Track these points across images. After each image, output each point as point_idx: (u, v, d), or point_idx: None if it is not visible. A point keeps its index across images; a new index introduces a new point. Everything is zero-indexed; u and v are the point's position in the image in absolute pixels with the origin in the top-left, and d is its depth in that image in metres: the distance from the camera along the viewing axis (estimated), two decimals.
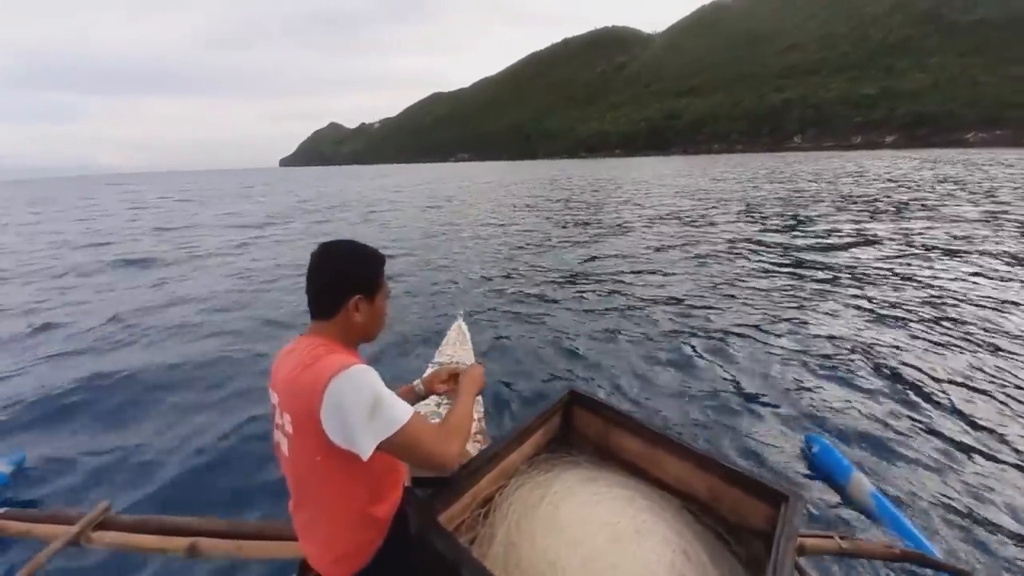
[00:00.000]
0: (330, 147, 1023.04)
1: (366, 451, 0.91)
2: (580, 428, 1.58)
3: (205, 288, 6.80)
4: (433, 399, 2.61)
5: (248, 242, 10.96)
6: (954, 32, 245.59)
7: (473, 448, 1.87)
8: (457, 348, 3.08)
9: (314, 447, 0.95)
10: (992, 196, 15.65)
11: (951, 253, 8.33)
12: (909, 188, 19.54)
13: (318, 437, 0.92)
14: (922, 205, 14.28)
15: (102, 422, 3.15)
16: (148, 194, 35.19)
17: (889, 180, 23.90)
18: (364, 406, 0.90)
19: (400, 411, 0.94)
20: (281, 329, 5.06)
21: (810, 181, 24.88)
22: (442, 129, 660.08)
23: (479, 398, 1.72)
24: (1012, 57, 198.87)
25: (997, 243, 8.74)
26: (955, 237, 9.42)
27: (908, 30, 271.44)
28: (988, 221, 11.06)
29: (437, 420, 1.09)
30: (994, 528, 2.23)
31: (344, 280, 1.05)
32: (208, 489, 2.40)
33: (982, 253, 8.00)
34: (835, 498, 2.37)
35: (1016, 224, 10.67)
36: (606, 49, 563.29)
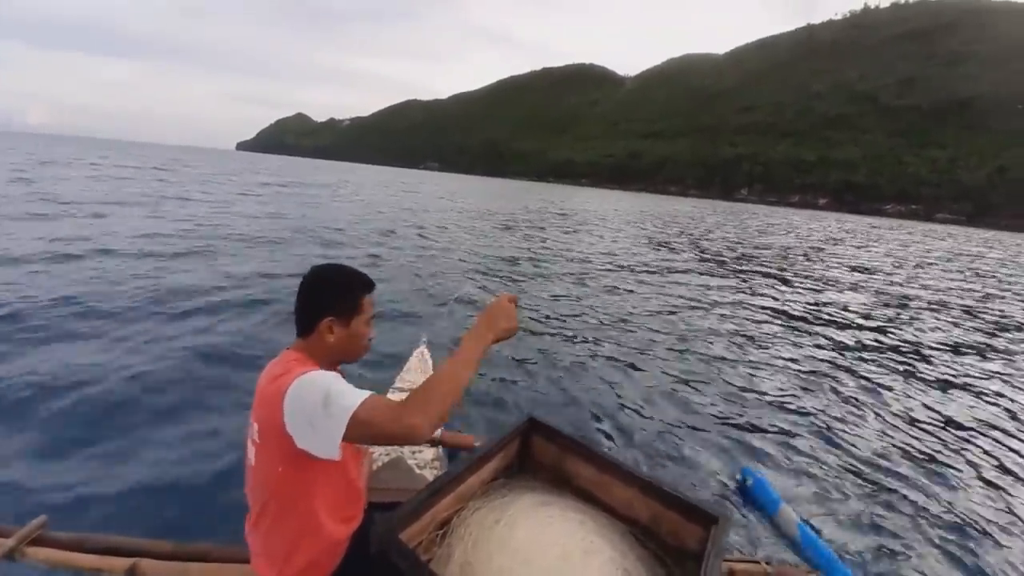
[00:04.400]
0: (294, 137, 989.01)
1: (333, 447, 0.92)
2: (537, 455, 1.63)
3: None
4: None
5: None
6: (886, 114, 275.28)
7: (431, 474, 1.96)
8: (418, 375, 3.01)
9: (277, 456, 0.98)
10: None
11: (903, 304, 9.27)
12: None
13: (281, 446, 0.96)
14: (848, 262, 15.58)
15: (41, 430, 2.84)
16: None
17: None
18: (318, 399, 0.93)
19: (353, 394, 0.94)
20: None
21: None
22: (414, 136, 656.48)
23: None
24: (934, 141, 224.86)
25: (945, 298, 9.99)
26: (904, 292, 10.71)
27: (846, 107, 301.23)
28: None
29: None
30: (915, 558, 2.45)
31: (317, 302, 1.11)
32: (155, 508, 2.28)
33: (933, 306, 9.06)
34: (765, 527, 2.54)
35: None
36: (581, 84, 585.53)
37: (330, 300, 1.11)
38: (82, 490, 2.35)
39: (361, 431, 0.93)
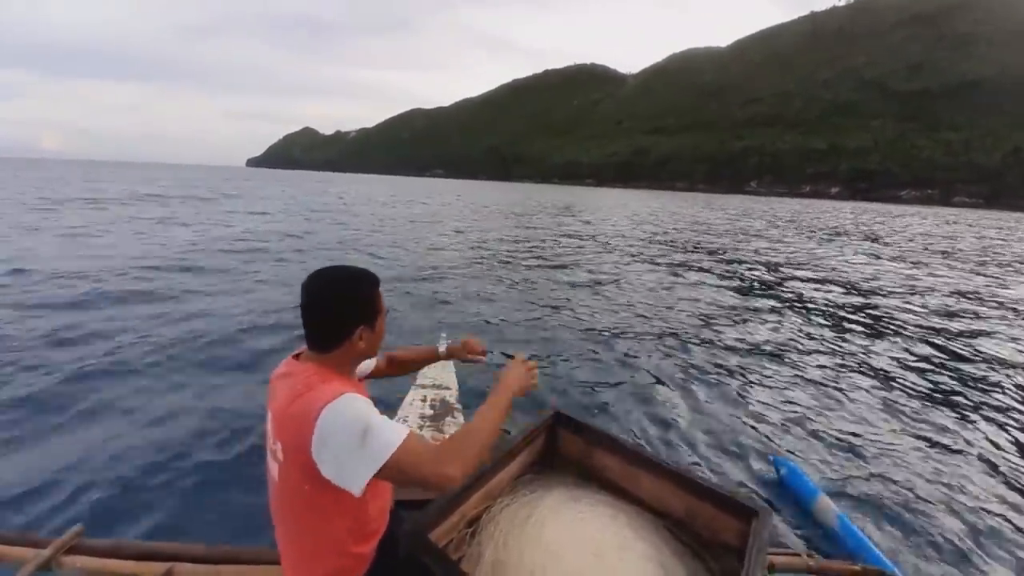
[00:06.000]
0: (302, 152, 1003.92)
1: (360, 484, 0.89)
2: (564, 448, 1.61)
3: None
4: (415, 420, 2.59)
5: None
6: (895, 99, 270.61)
7: None
8: (440, 371, 3.02)
9: (303, 476, 0.94)
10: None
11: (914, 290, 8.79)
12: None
13: (308, 467, 0.91)
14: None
15: (75, 438, 2.87)
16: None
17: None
18: (354, 434, 0.88)
19: (393, 434, 0.91)
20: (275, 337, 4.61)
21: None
22: (419, 144, 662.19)
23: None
24: (945, 124, 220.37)
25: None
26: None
27: (854, 95, 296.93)
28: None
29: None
30: (954, 548, 2.38)
31: (347, 315, 1.03)
32: (189, 512, 2.32)
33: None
34: (802, 519, 2.47)
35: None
36: (583, 84, 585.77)
37: (359, 309, 1.05)
38: (118, 497, 2.37)
39: (395, 473, 0.90)
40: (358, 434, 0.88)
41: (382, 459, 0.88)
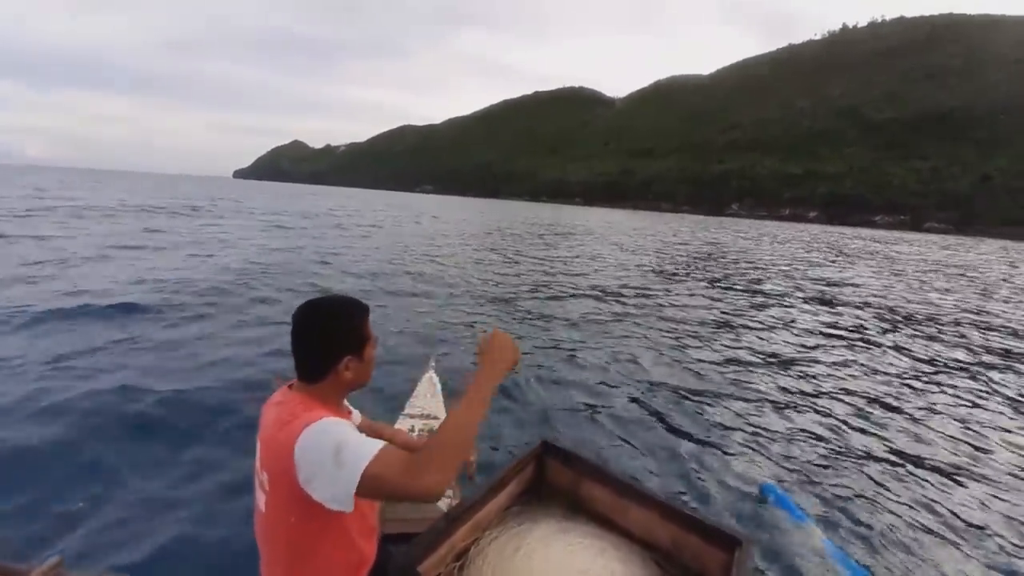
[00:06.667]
0: (291, 164, 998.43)
1: (348, 499, 0.89)
2: (552, 479, 1.59)
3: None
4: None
5: None
6: (869, 127, 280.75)
7: (444, 502, 1.86)
8: (429, 400, 3.02)
9: (289, 506, 0.95)
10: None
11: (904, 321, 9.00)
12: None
13: (293, 497, 0.92)
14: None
15: (60, 465, 2.79)
16: None
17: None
18: (328, 455, 0.89)
19: (364, 449, 0.90)
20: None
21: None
22: (409, 160, 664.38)
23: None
24: (917, 153, 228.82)
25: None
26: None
27: (829, 123, 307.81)
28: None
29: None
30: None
31: (332, 346, 1.05)
32: (170, 546, 2.25)
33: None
34: (789, 546, 2.46)
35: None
36: (572, 106, 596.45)
37: (344, 340, 1.06)
38: (98, 530, 2.31)
39: (374, 486, 0.89)
40: (331, 452, 0.89)
41: (358, 472, 0.87)
